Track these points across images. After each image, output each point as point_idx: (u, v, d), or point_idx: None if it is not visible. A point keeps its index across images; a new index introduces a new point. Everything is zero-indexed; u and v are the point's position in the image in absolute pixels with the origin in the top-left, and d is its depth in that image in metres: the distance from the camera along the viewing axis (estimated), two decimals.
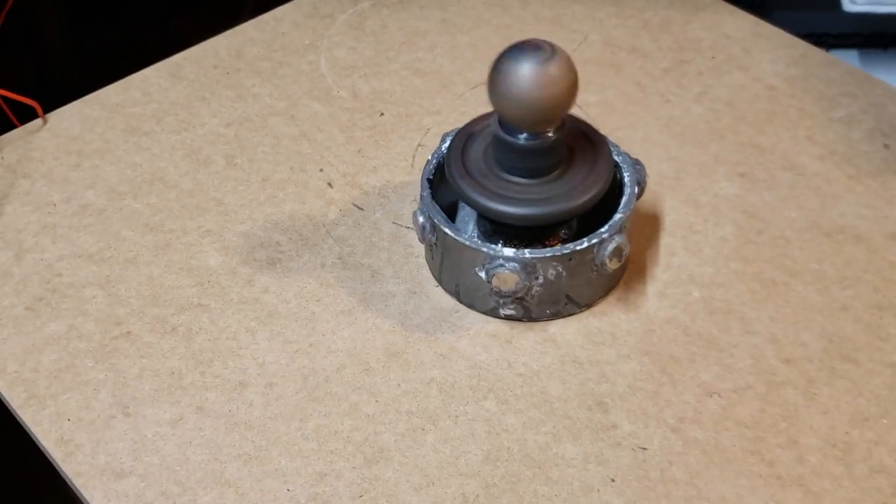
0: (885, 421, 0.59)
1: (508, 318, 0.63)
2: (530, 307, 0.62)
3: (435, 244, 0.63)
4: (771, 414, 0.59)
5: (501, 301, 0.62)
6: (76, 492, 0.57)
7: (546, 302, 0.62)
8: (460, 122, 0.79)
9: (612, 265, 0.61)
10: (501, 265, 0.59)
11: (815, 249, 0.68)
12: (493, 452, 0.58)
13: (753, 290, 0.66)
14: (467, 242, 0.60)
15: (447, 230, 0.61)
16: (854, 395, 0.60)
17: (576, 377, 0.61)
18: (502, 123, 0.60)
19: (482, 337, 0.63)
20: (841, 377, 0.61)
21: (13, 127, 0.80)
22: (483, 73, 0.89)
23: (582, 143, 0.63)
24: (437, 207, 0.62)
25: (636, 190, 0.63)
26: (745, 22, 0.88)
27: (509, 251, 0.59)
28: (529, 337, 0.63)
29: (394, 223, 0.71)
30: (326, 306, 0.66)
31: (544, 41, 0.57)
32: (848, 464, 0.57)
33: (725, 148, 0.76)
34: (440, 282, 0.65)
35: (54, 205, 0.74)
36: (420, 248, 0.69)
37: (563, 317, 0.63)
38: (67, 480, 0.58)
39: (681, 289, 0.66)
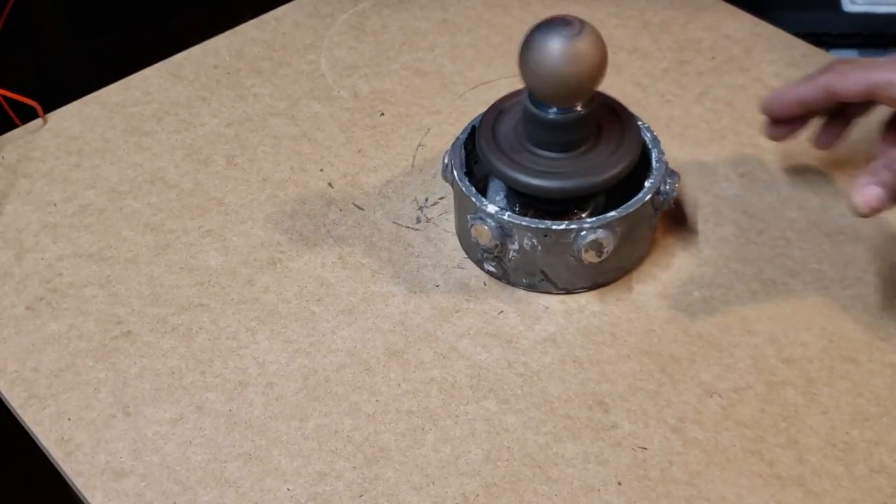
0: (885, 421, 0.59)
1: (490, 273, 0.65)
2: (507, 270, 0.64)
3: (452, 186, 0.66)
4: (771, 414, 0.59)
5: (483, 255, 0.64)
6: (76, 491, 0.57)
7: (522, 270, 0.63)
8: (461, 122, 0.79)
9: (589, 257, 0.61)
10: (481, 219, 0.61)
11: (815, 249, 0.68)
12: (494, 452, 0.58)
13: (753, 290, 0.66)
14: (464, 189, 0.63)
15: (455, 173, 0.64)
16: (854, 395, 0.60)
17: (576, 377, 0.61)
18: (532, 98, 0.61)
19: (482, 337, 0.63)
20: (841, 377, 0.61)
21: (14, 126, 0.80)
22: (484, 73, 0.89)
23: (611, 119, 0.63)
24: (463, 152, 0.65)
25: (653, 195, 0.63)
26: (746, 22, 0.88)
27: (493, 208, 0.61)
28: (529, 337, 0.63)
29: (394, 223, 0.71)
30: (327, 306, 0.66)
31: (574, 17, 0.58)
32: (848, 464, 0.57)
33: (725, 148, 0.76)
34: (455, 226, 0.69)
35: (55, 204, 0.74)
36: (419, 249, 0.69)
37: (539, 291, 0.64)
38: (68, 480, 0.58)
39: (681, 289, 0.66)
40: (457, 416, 0.59)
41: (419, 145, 0.77)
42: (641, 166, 0.64)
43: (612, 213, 0.61)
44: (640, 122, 0.65)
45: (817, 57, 0.84)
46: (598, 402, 0.60)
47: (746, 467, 0.56)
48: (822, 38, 1.05)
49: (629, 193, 0.62)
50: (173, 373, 0.62)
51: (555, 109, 0.60)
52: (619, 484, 0.56)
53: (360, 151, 0.77)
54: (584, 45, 0.56)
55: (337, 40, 0.88)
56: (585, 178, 0.60)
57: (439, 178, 0.74)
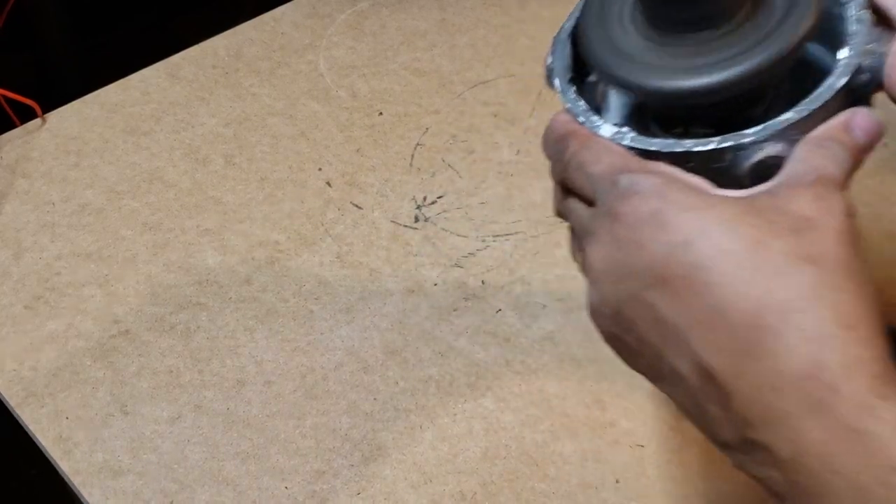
0: None
1: None
2: None
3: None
4: None
5: None
6: (74, 490, 0.57)
7: None
8: (459, 121, 0.79)
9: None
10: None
11: None
12: (491, 450, 0.58)
13: None
14: (568, 104, 0.45)
15: (558, 82, 0.46)
16: None
17: (574, 375, 0.61)
18: None
19: (480, 335, 0.63)
20: None
21: (13, 126, 0.80)
22: (482, 72, 0.90)
23: None
24: (568, 49, 0.47)
25: (851, 77, 0.40)
26: None
27: (608, 130, 0.43)
28: (528, 335, 0.63)
29: (392, 222, 0.71)
30: (325, 305, 0.66)
31: None
32: None
33: None
34: None
35: (53, 204, 0.74)
36: (418, 248, 0.69)
37: None
38: (65, 478, 0.58)
39: None
40: (455, 415, 0.59)
41: (417, 144, 0.77)
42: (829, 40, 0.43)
43: (789, 115, 0.40)
44: None
45: None
46: (596, 399, 0.60)
47: None
48: None
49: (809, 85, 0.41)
50: (171, 371, 0.62)
51: None
52: (617, 482, 0.56)
53: (358, 151, 0.77)
54: None
55: (335, 40, 0.88)
56: (743, 63, 0.40)
57: (438, 176, 0.74)
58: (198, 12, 1.54)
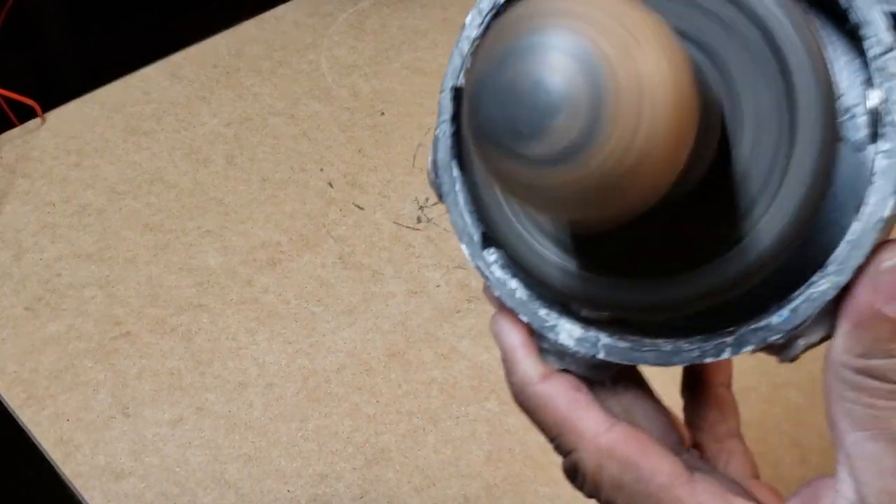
0: None
1: None
2: None
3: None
4: (774, 415, 0.58)
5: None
6: (75, 493, 0.57)
7: None
8: None
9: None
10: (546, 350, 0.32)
11: None
12: (495, 453, 0.57)
13: None
14: (497, 291, 0.32)
15: (465, 249, 0.32)
16: None
17: None
18: None
19: (484, 337, 0.63)
20: None
21: (12, 126, 0.80)
22: None
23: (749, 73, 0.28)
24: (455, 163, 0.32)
25: (892, 202, 0.27)
26: None
27: (565, 336, 0.30)
28: None
29: (394, 223, 0.71)
30: (327, 306, 0.66)
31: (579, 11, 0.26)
32: None
33: None
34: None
35: (53, 204, 0.74)
36: (420, 249, 0.69)
37: None
38: (67, 481, 0.58)
39: None
40: (458, 417, 0.59)
41: (419, 145, 0.77)
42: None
43: (823, 286, 0.27)
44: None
45: None
46: None
47: None
48: None
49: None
50: (173, 374, 0.62)
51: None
52: None
53: (360, 151, 0.77)
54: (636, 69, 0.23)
55: (337, 39, 0.88)
56: (726, 263, 0.27)
57: None
58: (198, 11, 1.54)
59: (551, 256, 0.29)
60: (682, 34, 0.27)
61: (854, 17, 0.26)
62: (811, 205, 0.26)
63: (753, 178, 0.26)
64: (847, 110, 0.27)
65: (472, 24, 0.30)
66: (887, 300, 0.25)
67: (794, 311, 0.27)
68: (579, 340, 0.29)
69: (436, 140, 0.31)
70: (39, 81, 1.41)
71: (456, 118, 0.31)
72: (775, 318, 0.27)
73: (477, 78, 0.23)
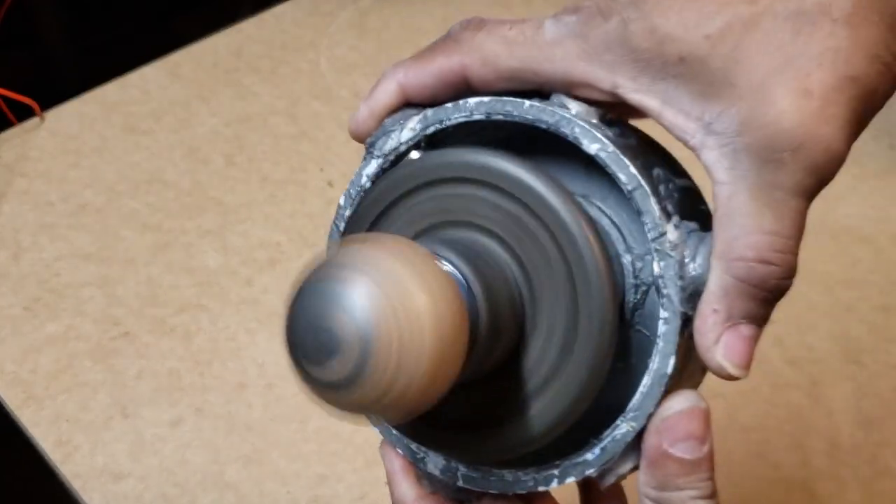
0: (890, 423, 0.58)
1: None
2: None
3: None
4: (776, 416, 0.58)
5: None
6: (74, 494, 0.57)
7: None
8: None
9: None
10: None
11: (820, 250, 0.68)
12: None
13: None
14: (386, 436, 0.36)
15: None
16: (859, 396, 0.59)
17: None
18: None
19: None
20: (846, 379, 0.60)
21: (11, 125, 0.80)
22: None
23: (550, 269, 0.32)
24: None
25: (672, 361, 0.32)
26: None
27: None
28: None
29: None
30: None
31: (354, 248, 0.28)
32: (853, 466, 0.56)
33: None
34: None
35: (52, 204, 0.73)
36: None
37: None
38: (65, 482, 0.57)
39: None
40: None
41: None
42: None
43: (624, 429, 0.32)
44: (585, 138, 0.32)
45: None
46: None
47: (751, 470, 0.56)
48: None
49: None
50: (172, 374, 0.62)
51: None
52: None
53: (360, 151, 0.76)
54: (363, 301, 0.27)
55: (337, 38, 0.87)
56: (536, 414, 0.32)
57: None
58: (198, 10, 1.54)
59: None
60: (487, 231, 0.32)
61: (635, 205, 0.32)
62: (586, 395, 0.31)
63: (541, 367, 0.32)
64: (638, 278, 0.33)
65: (345, 204, 0.36)
66: (672, 442, 0.30)
67: (603, 449, 0.32)
68: (443, 470, 0.34)
69: None
70: (38, 80, 1.41)
71: None
72: (590, 455, 0.32)
73: (289, 303, 0.28)
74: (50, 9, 1.37)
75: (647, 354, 0.32)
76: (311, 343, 0.27)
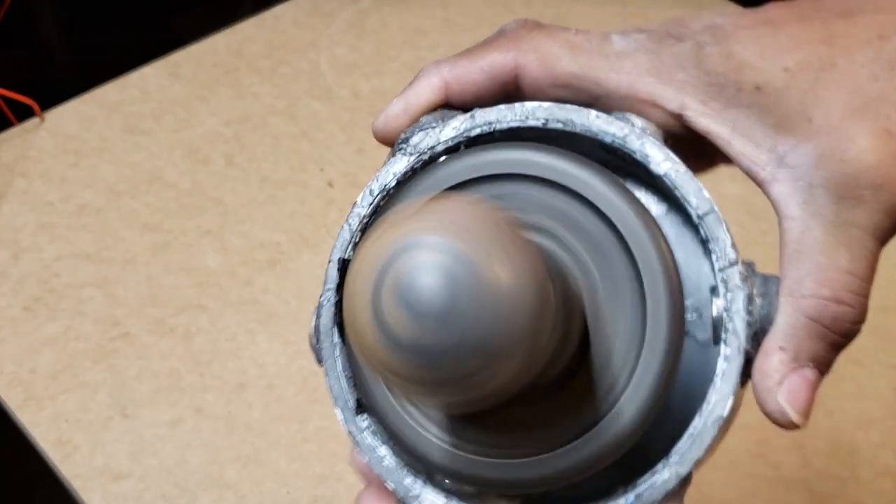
0: (889, 423, 0.58)
1: None
2: None
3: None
4: None
5: None
6: (74, 494, 0.57)
7: None
8: None
9: None
10: None
11: None
12: None
13: None
14: (365, 456, 0.32)
15: (338, 410, 0.32)
16: (859, 397, 0.59)
17: None
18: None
19: None
20: (846, 379, 0.60)
21: (10, 125, 0.80)
22: None
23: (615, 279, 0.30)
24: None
25: (730, 403, 0.30)
26: None
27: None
28: None
29: None
30: None
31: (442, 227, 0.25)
32: (853, 466, 0.56)
33: None
34: None
35: (52, 204, 0.73)
36: None
37: None
38: (65, 482, 0.57)
39: None
40: None
41: None
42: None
43: (665, 475, 0.29)
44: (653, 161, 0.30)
45: None
46: None
47: (751, 470, 0.56)
48: None
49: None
50: (172, 374, 0.62)
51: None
52: None
53: (360, 151, 0.76)
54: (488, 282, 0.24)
55: (337, 39, 0.87)
56: (583, 443, 0.29)
57: None
58: (198, 10, 1.54)
59: (420, 429, 0.30)
60: (546, 232, 0.29)
61: (704, 232, 0.29)
62: (661, 394, 0.28)
63: (611, 368, 0.28)
64: (695, 310, 0.30)
65: (363, 202, 0.33)
66: None
67: (638, 496, 0.28)
68: None
69: (319, 306, 0.33)
70: (38, 80, 1.41)
71: (340, 287, 0.33)
72: (622, 502, 0.29)
73: (366, 260, 0.24)
74: (50, 9, 1.37)
75: (694, 393, 0.29)
76: (406, 303, 0.23)
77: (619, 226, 0.28)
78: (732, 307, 0.29)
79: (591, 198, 0.29)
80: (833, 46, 0.29)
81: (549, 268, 0.26)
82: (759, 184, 0.30)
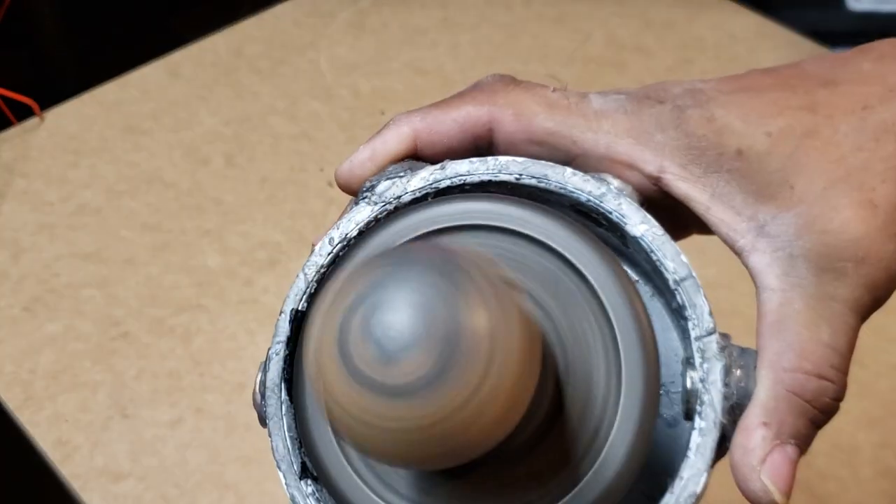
0: (890, 423, 0.58)
1: None
2: None
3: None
4: None
5: None
6: (74, 494, 0.57)
7: None
8: None
9: None
10: None
11: None
12: None
13: None
14: None
15: (283, 478, 0.32)
16: (860, 397, 0.59)
17: None
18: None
19: None
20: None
21: (10, 125, 0.80)
22: (485, 71, 0.88)
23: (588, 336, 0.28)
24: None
25: (704, 480, 0.28)
26: (750, 20, 0.87)
27: None
28: None
29: None
30: None
31: (444, 250, 0.25)
32: (854, 467, 0.56)
33: None
34: None
35: (51, 204, 0.73)
36: None
37: None
38: (65, 482, 0.57)
39: None
40: None
41: None
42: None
43: None
44: (630, 221, 0.29)
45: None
46: None
47: None
48: (825, 37, 1.04)
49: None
50: (171, 374, 0.62)
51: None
52: None
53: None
54: (478, 318, 0.23)
55: (337, 38, 0.87)
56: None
57: None
58: (198, 10, 1.54)
59: (376, 496, 0.28)
60: (515, 286, 0.27)
61: (680, 298, 0.28)
62: (644, 445, 0.26)
63: (587, 424, 0.27)
64: (662, 386, 0.28)
65: (321, 251, 0.31)
66: None
67: None
68: None
69: (267, 360, 0.31)
70: (38, 80, 1.41)
71: (291, 341, 0.31)
72: None
73: (335, 299, 0.23)
74: (50, 9, 1.37)
75: (660, 472, 0.28)
76: (377, 338, 0.22)
77: (592, 279, 0.27)
78: (709, 378, 0.27)
79: (564, 252, 0.27)
80: (816, 114, 0.28)
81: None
82: (738, 252, 0.29)
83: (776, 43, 0.85)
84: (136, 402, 0.60)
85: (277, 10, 0.90)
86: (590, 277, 0.27)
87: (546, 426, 0.27)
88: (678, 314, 0.28)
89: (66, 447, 0.58)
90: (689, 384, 0.28)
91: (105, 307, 0.66)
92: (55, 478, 0.58)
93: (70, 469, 0.57)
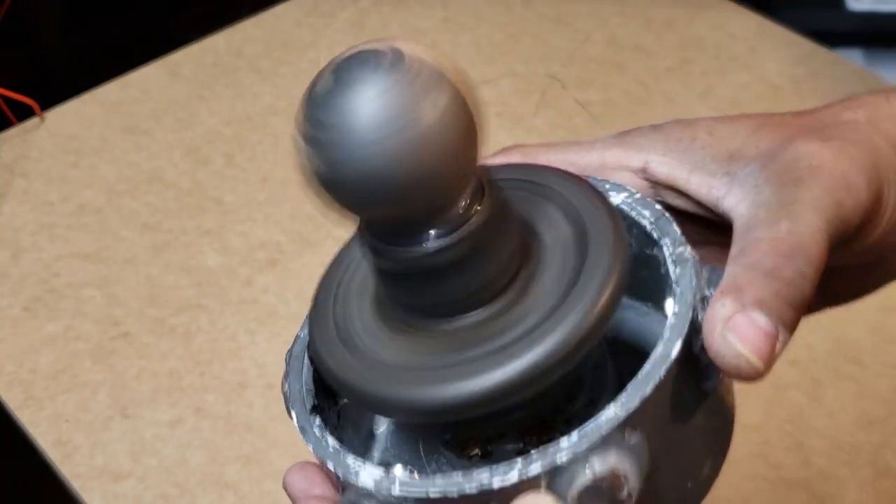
0: (890, 423, 0.58)
1: None
2: None
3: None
4: (776, 416, 0.58)
5: None
6: (74, 494, 0.57)
7: None
8: None
9: None
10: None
11: None
12: None
13: None
14: (312, 446, 0.34)
15: (294, 414, 0.36)
16: (860, 397, 0.59)
17: None
18: (370, 229, 0.31)
19: None
20: (846, 379, 0.60)
21: (10, 125, 0.80)
22: (485, 71, 0.89)
23: (547, 211, 0.32)
24: (310, 371, 0.37)
25: (686, 340, 0.29)
26: (750, 20, 0.87)
27: (371, 475, 0.31)
28: None
29: None
30: None
31: (387, 45, 0.29)
32: (854, 466, 0.56)
33: None
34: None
35: (52, 204, 0.73)
36: None
37: None
38: (65, 482, 0.57)
39: None
40: None
41: None
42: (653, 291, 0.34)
43: (610, 412, 0.28)
44: (613, 190, 0.34)
45: (822, 56, 0.83)
46: None
47: (752, 470, 0.56)
48: (826, 37, 1.05)
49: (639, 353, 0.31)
50: (172, 374, 0.62)
51: (417, 237, 0.30)
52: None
53: None
54: (416, 87, 0.28)
55: (337, 38, 0.87)
56: (521, 357, 0.28)
57: None
58: (198, 9, 1.54)
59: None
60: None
61: (656, 234, 0.32)
62: (609, 308, 0.29)
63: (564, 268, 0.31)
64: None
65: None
66: None
67: (583, 435, 0.28)
68: (378, 482, 0.30)
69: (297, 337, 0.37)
70: (38, 80, 1.41)
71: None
72: (565, 440, 0.28)
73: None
74: (50, 9, 1.37)
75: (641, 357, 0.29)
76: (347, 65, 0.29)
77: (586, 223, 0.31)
78: (681, 272, 0.31)
79: (570, 199, 0.32)
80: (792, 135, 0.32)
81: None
82: (714, 204, 0.32)
83: (776, 43, 0.85)
84: (136, 402, 0.60)
85: (277, 10, 0.90)
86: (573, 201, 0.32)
87: (515, 273, 0.30)
88: (655, 244, 0.32)
89: (66, 447, 0.58)
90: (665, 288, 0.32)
91: (105, 307, 0.66)
92: (55, 477, 0.59)
93: (70, 469, 0.57)
